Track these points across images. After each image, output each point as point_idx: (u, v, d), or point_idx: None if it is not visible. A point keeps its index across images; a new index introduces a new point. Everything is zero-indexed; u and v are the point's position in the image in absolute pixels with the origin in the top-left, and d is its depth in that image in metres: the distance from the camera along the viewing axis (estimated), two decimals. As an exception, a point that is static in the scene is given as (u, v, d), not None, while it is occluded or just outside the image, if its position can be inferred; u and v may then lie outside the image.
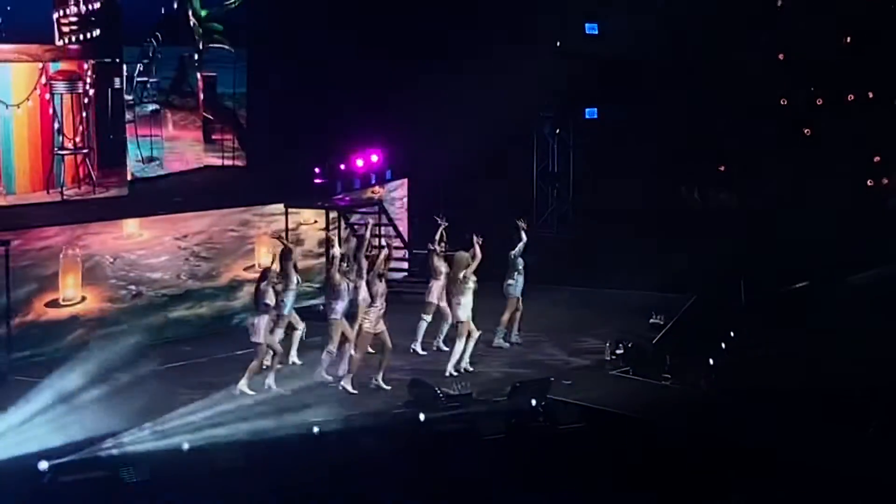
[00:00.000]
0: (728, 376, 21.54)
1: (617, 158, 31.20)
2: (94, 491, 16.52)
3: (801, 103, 32.58)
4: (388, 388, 20.79)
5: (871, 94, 32.38)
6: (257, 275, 21.89)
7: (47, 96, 24.94)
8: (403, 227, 29.64)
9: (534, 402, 19.83)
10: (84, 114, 25.44)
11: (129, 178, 26.72)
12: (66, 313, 22.92)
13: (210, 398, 19.83)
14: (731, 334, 23.24)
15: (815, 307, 24.89)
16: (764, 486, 17.27)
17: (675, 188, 31.80)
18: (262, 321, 20.42)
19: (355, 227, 25.13)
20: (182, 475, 17.05)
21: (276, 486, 16.99)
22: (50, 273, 22.69)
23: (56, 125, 25.08)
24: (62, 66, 25.23)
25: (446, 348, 22.70)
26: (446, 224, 23.05)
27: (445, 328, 23.01)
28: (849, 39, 32.53)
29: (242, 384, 20.36)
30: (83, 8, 25.49)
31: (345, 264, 21.49)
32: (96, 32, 25.61)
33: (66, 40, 25.50)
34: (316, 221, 26.80)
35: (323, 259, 25.97)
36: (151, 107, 29.40)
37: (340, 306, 21.09)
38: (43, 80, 24.84)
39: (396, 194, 30.49)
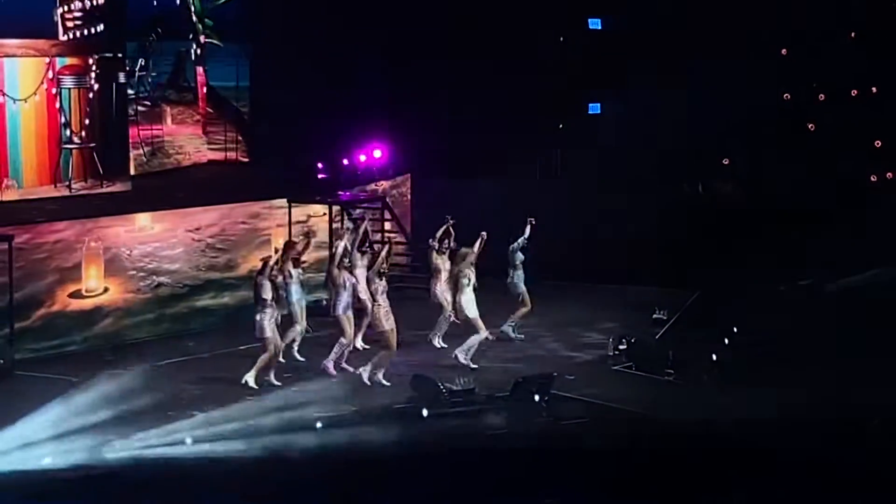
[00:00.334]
0: (731, 372, 21.55)
1: (620, 153, 31.16)
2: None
3: (804, 99, 32.54)
4: (388, 383, 20.83)
5: (874, 90, 32.34)
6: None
7: (54, 91, 25.05)
8: (406, 223, 29.65)
9: (537, 397, 19.87)
10: (89, 108, 25.52)
11: (132, 172, 26.81)
12: (91, 304, 23.28)
13: (216, 393, 20.00)
14: (735, 330, 23.25)
15: (817, 305, 24.94)
16: (765, 483, 17.29)
17: (679, 183, 31.75)
18: (265, 317, 20.47)
19: (357, 220, 25.12)
20: (184, 472, 17.10)
21: (279, 480, 17.03)
22: (69, 265, 22.96)
23: (63, 119, 25.19)
24: (69, 60, 25.32)
25: (443, 345, 22.76)
26: (453, 222, 23.01)
27: (445, 326, 23.05)
28: (853, 35, 32.50)
29: (249, 376, 20.46)
30: (87, 3, 25.55)
31: (346, 259, 21.54)
32: (100, 27, 25.66)
33: (71, 35, 25.56)
34: (325, 213, 26.88)
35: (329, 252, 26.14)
36: (154, 101, 29.47)
37: (343, 301, 21.15)
38: (50, 74, 24.93)
39: (399, 189, 30.50)
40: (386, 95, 30.34)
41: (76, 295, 23.07)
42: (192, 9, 30.00)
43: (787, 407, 19.72)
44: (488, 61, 30.00)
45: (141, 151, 28.55)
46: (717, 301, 26.05)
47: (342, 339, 21.24)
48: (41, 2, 25.25)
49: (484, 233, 22.56)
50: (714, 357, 21.92)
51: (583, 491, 17.01)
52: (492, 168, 30.45)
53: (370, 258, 21.96)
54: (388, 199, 28.93)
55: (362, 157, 29.95)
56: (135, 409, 19.02)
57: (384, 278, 20.96)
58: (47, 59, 24.95)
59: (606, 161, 30.82)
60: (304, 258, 22.20)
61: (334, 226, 26.02)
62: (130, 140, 27.31)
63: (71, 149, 25.39)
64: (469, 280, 22.19)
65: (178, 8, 29.68)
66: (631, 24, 31.43)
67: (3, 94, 24.45)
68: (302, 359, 21.97)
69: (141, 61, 28.80)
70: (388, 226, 28.11)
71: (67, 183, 25.22)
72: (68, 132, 25.29)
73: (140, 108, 28.82)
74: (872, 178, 31.79)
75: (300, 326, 21.90)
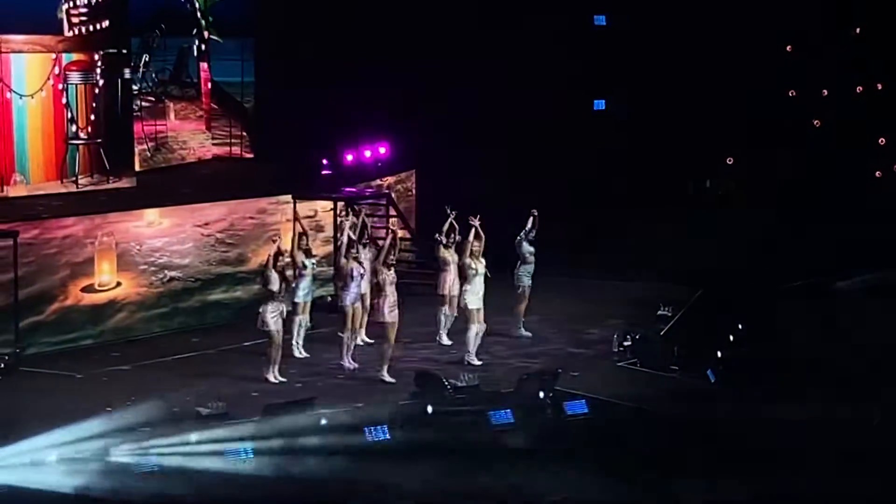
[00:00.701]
0: (736, 369, 21.57)
1: (624, 149, 31.21)
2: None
3: (809, 95, 32.57)
4: (393, 380, 20.87)
5: (879, 86, 32.39)
6: (286, 260, 21.86)
7: (60, 86, 25.06)
8: (411, 219, 29.67)
9: (541, 393, 19.89)
10: (95, 104, 25.56)
11: (137, 168, 26.85)
12: (104, 298, 23.34)
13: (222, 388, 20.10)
14: (740, 327, 23.26)
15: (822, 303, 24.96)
16: (768, 481, 17.32)
17: (683, 179, 31.80)
18: (267, 308, 20.52)
19: (355, 208, 25.09)
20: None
21: (282, 475, 17.06)
22: (81, 260, 23.02)
23: (69, 115, 25.22)
24: (75, 56, 25.34)
25: (449, 342, 22.81)
26: (455, 214, 22.99)
27: (450, 322, 23.07)
28: (858, 31, 32.53)
29: (268, 374, 20.57)
30: (92, -1, 25.63)
31: (353, 249, 21.57)
32: (105, 23, 25.69)
33: (76, 31, 25.59)
34: (331, 209, 26.89)
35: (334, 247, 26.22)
36: (158, 97, 29.53)
37: (352, 292, 21.21)
38: (56, 70, 24.95)
39: (404, 185, 30.52)
40: (391, 91, 30.35)
41: (89, 289, 23.14)
42: (196, 4, 30.04)
43: (792, 405, 19.74)
44: (492, 59, 30.03)
45: (145, 147, 28.61)
46: (721, 298, 26.04)
47: (342, 333, 21.26)
48: (46, -2, 25.34)
49: (474, 220, 22.45)
50: (719, 354, 21.95)
51: (587, 488, 17.05)
52: (497, 163, 30.49)
53: (374, 251, 22.01)
54: (392, 195, 28.94)
55: (367, 153, 29.96)
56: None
57: (392, 269, 21.00)
58: (53, 55, 24.98)
59: (609, 159, 30.85)
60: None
61: (339, 221, 26.02)
62: (134, 136, 27.36)
63: (77, 144, 25.43)
64: (476, 271, 22.17)
65: (182, 4, 29.72)
66: (634, 22, 31.45)
67: (10, 90, 24.47)
68: (305, 354, 21.99)
69: (145, 57, 28.88)
70: (392, 221, 28.10)
71: (74, 179, 25.27)
72: (74, 128, 25.33)
73: (143, 103, 28.90)
74: (877, 174, 31.84)
75: (301, 319, 21.91)
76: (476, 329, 22.08)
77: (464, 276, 22.34)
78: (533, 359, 22.42)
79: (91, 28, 25.56)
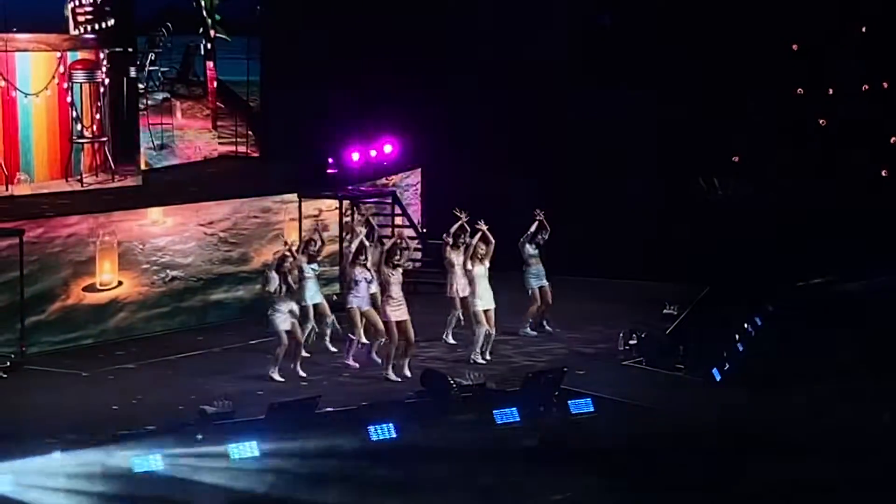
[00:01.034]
0: (742, 367, 21.55)
1: (630, 147, 31.13)
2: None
3: (816, 94, 32.49)
4: (398, 379, 20.85)
5: (885, 85, 32.28)
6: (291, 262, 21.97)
7: (65, 85, 25.08)
8: (417, 217, 29.65)
9: (547, 392, 19.86)
10: (101, 103, 25.56)
11: (142, 166, 26.86)
12: (106, 297, 23.26)
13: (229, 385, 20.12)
14: (746, 326, 23.23)
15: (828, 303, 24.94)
16: (773, 479, 17.30)
17: (689, 178, 31.71)
18: (274, 312, 20.53)
19: (366, 215, 25.11)
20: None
21: (287, 472, 17.06)
22: (83, 259, 22.96)
23: (74, 114, 25.22)
24: (80, 55, 25.35)
25: (454, 342, 22.80)
26: (467, 217, 22.88)
27: (454, 323, 23.05)
28: (864, 29, 32.44)
29: (272, 371, 20.58)
30: (97, -3, 25.66)
31: (362, 255, 21.54)
32: (111, 22, 25.70)
33: (82, 30, 25.61)
34: (336, 208, 26.88)
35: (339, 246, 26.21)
36: (160, 96, 29.57)
37: (358, 296, 21.20)
38: (61, 69, 24.96)
39: (410, 183, 30.51)
40: (396, 89, 30.32)
41: (90, 288, 23.09)
42: (203, 3, 30.07)
43: (796, 403, 19.72)
44: (499, 51, 29.98)
45: (151, 146, 28.64)
46: (727, 297, 26.02)
47: (353, 334, 21.31)
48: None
49: (481, 224, 22.42)
50: (725, 353, 21.93)
51: (592, 487, 17.02)
52: (503, 162, 30.45)
53: (380, 251, 22.02)
54: (398, 194, 28.92)
55: (373, 152, 29.95)
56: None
57: (399, 269, 20.99)
58: (58, 54, 24.99)
59: (614, 157, 30.80)
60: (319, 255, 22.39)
61: (345, 220, 26.01)
62: (140, 134, 27.38)
63: (82, 143, 25.44)
64: (478, 273, 22.13)
65: (189, 2, 29.76)
66: (639, 19, 31.38)
67: (15, 89, 24.49)
68: (306, 354, 22.00)
69: (151, 56, 28.91)
70: (398, 220, 28.09)
71: (79, 177, 25.26)
72: (79, 127, 25.33)
73: (150, 102, 28.94)
74: (884, 174, 31.75)
75: (310, 324, 21.92)
76: (483, 330, 22.03)
77: (470, 280, 22.28)
78: (538, 358, 22.38)
79: (97, 27, 25.58)
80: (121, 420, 18.33)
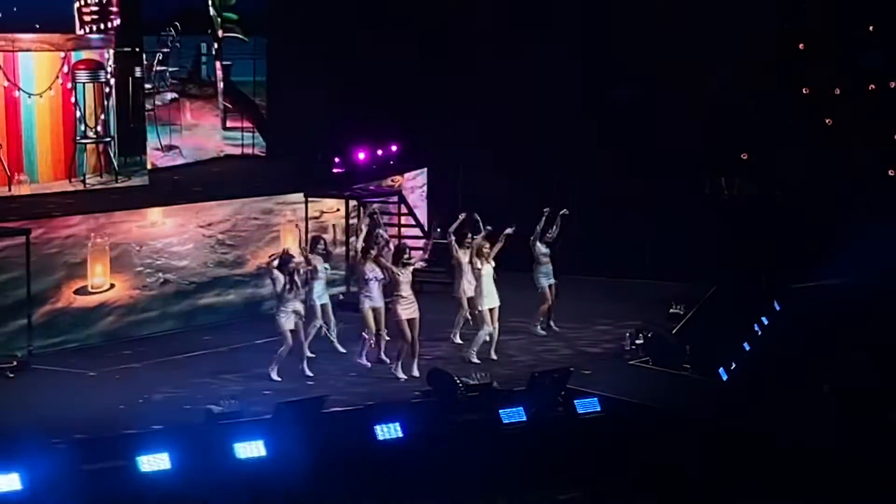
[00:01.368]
0: (749, 367, 21.53)
1: (637, 147, 31.12)
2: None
3: (822, 93, 32.46)
4: (406, 377, 20.84)
5: (892, 84, 32.25)
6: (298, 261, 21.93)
7: (69, 85, 25.07)
8: (423, 218, 29.63)
9: (553, 391, 19.83)
10: (106, 103, 25.55)
11: (149, 166, 26.84)
12: (95, 300, 23.04)
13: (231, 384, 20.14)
14: (755, 326, 23.22)
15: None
16: (778, 478, 17.28)
17: (697, 178, 31.68)
18: (280, 312, 20.51)
19: (373, 213, 25.10)
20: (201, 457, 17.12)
21: (290, 471, 17.04)
22: (78, 261, 22.77)
23: (78, 114, 25.20)
24: (84, 55, 25.33)
25: (460, 341, 22.79)
26: (465, 216, 22.80)
27: (461, 322, 23.02)
28: (871, 28, 32.41)
29: (271, 371, 20.56)
30: (104, -3, 25.63)
31: (372, 252, 21.53)
32: (117, 22, 25.68)
33: (88, 30, 25.60)
34: (339, 210, 26.83)
35: (344, 247, 26.16)
36: (170, 96, 29.55)
37: (370, 294, 21.19)
38: (65, 69, 24.94)
39: (416, 183, 30.50)
40: (403, 89, 30.32)
41: (82, 291, 22.83)
42: (211, 3, 30.08)
43: (801, 402, 19.71)
44: (508, 50, 29.97)
45: (159, 146, 28.64)
46: (734, 296, 26.01)
47: (367, 334, 21.33)
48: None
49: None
50: (731, 352, 21.93)
51: (598, 486, 17.00)
52: (510, 161, 30.43)
53: (389, 251, 22.02)
54: (404, 193, 28.91)
55: (379, 152, 29.94)
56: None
57: (408, 268, 20.99)
58: (62, 54, 24.96)
59: (623, 154, 30.78)
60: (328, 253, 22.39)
61: (350, 222, 26.01)
62: (148, 134, 27.36)
63: (86, 143, 25.40)
64: (483, 271, 22.12)
65: (198, 3, 29.77)
66: (648, 20, 31.35)
67: (18, 89, 24.45)
68: (311, 354, 21.99)
69: (159, 56, 28.90)
70: (404, 220, 28.09)
71: (82, 178, 25.22)
72: (83, 127, 25.30)
73: (158, 102, 28.93)
74: (890, 172, 31.72)
75: (318, 322, 21.90)
76: (487, 330, 22.01)
77: (476, 277, 22.26)
78: (545, 357, 22.35)
79: (102, 26, 25.56)
80: (127, 419, 18.31)
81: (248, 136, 31.10)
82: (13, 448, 16.16)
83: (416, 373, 20.84)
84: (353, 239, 23.36)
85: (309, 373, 20.81)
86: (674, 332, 23.46)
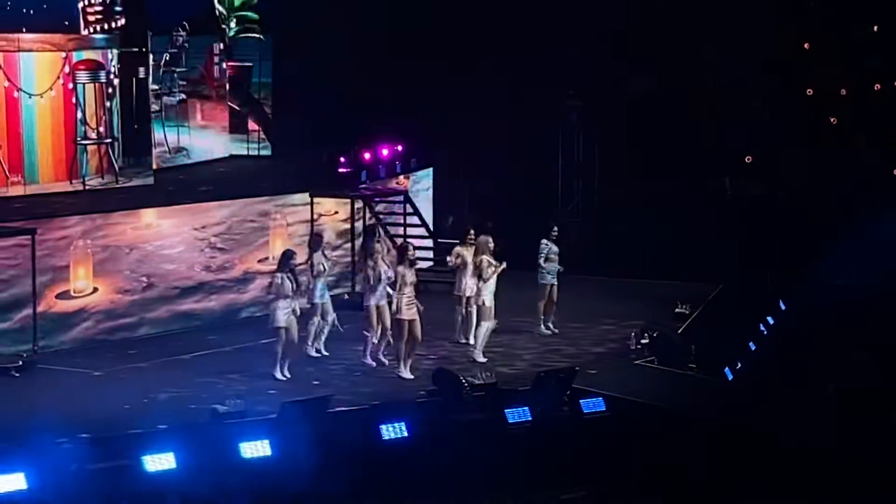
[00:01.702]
0: (754, 367, 21.52)
1: (643, 148, 31.14)
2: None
3: (827, 93, 32.47)
4: (412, 377, 20.84)
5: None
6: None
7: (70, 86, 24.96)
8: (429, 219, 29.62)
9: (558, 391, 19.82)
10: (108, 104, 25.48)
11: (154, 167, 26.82)
12: (76, 305, 22.62)
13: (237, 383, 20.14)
14: (760, 326, 23.20)
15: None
16: (782, 477, 17.27)
17: (702, 178, 31.71)
18: (278, 306, 20.52)
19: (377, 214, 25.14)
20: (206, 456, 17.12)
21: (296, 471, 17.04)
22: (63, 264, 22.43)
23: (79, 115, 25.12)
24: (85, 55, 25.26)
25: (464, 341, 22.78)
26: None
27: (461, 320, 23.02)
28: (875, 28, 32.43)
29: (275, 370, 20.57)
30: (108, -3, 25.64)
31: (379, 249, 21.54)
32: (121, 22, 25.67)
33: (92, 30, 25.58)
34: (337, 213, 26.78)
35: (342, 249, 26.16)
36: (179, 96, 29.53)
37: (375, 293, 21.21)
38: (66, 69, 24.86)
39: (421, 188, 30.47)
40: (409, 90, 30.35)
41: (63, 296, 22.43)
42: (220, 4, 30.11)
43: (806, 402, 19.71)
44: (513, 49, 29.99)
45: (165, 147, 28.65)
46: (739, 296, 26.00)
47: (368, 332, 21.33)
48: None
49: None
50: (736, 352, 21.92)
51: (604, 486, 16.99)
52: (515, 161, 30.46)
53: (394, 250, 22.02)
54: (409, 193, 28.91)
55: (385, 152, 29.94)
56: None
57: (413, 268, 20.99)
58: (63, 54, 24.87)
59: (628, 154, 30.80)
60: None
61: (356, 221, 26.00)
62: (154, 134, 27.36)
63: (87, 144, 25.32)
64: (492, 269, 22.14)
65: (206, 4, 29.80)
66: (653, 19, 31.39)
67: (18, 89, 24.37)
68: (325, 353, 21.98)
69: (166, 56, 28.91)
70: (410, 220, 28.09)
71: (83, 179, 25.13)
72: (84, 128, 25.21)
73: (168, 102, 28.94)
74: (895, 172, 31.74)
75: (318, 319, 21.89)
76: (488, 325, 22.03)
77: (480, 275, 22.27)
78: (550, 357, 22.34)
79: (106, 27, 25.55)
80: (133, 419, 18.32)
81: (254, 136, 31.13)
82: (19, 447, 16.14)
83: (406, 375, 20.83)
84: (359, 239, 23.33)
85: (287, 374, 20.67)
86: (679, 331, 23.45)
